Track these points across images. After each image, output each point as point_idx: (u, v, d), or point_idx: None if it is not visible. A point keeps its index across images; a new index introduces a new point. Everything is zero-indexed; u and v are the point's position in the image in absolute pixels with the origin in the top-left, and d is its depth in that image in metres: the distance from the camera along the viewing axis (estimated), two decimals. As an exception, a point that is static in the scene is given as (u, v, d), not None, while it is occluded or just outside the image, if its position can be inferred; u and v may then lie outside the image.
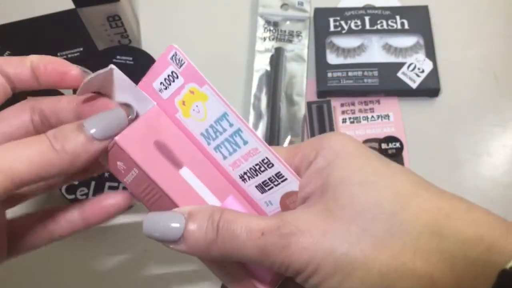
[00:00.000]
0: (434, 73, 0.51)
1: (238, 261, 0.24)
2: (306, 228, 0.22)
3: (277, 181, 0.26)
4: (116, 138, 0.25)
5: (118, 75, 0.26)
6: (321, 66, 0.51)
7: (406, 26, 0.53)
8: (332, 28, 0.53)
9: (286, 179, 0.26)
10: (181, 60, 0.26)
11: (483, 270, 0.21)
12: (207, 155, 0.27)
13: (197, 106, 0.26)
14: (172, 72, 0.26)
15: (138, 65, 0.52)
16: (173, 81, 0.26)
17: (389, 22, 0.53)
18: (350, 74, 0.51)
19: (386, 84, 0.50)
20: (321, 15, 0.54)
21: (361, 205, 0.22)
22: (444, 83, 0.51)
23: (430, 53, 0.51)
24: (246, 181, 0.27)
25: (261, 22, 0.55)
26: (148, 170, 0.25)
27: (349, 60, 0.52)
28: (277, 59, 0.52)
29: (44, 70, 0.26)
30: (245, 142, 0.26)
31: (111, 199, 0.28)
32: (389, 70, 0.51)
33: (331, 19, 0.54)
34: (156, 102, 0.27)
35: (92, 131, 0.24)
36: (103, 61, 0.52)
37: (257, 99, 0.51)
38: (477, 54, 0.53)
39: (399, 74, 0.50)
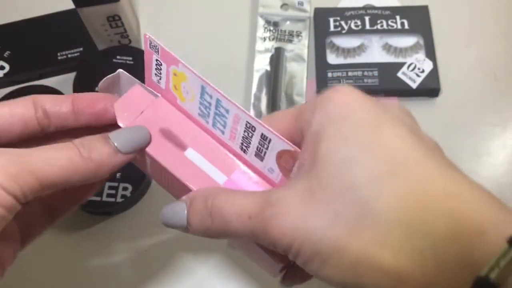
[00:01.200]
0: (434, 73, 0.51)
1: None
2: (287, 211, 0.22)
3: (265, 143, 0.25)
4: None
5: (125, 76, 0.29)
6: (321, 66, 0.51)
7: (406, 26, 0.53)
8: (332, 28, 0.53)
9: (270, 139, 0.25)
10: (156, 47, 0.27)
11: (458, 272, 0.19)
12: (210, 134, 0.28)
13: (184, 87, 0.27)
14: (156, 61, 0.27)
15: (138, 65, 0.52)
16: (161, 69, 0.27)
17: (389, 22, 0.53)
18: (350, 74, 0.51)
19: (386, 84, 0.50)
20: (321, 15, 0.54)
21: (339, 187, 0.21)
22: (444, 83, 0.51)
23: (430, 53, 0.51)
24: (246, 151, 0.27)
25: (261, 22, 0.55)
26: (155, 156, 0.27)
27: (349, 60, 0.52)
28: (277, 59, 0.52)
29: (85, 110, 0.27)
30: (227, 111, 0.26)
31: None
32: (389, 70, 0.51)
33: (331, 19, 0.54)
34: (160, 94, 0.29)
35: (117, 143, 0.25)
36: (103, 61, 0.52)
37: (257, 99, 0.51)
38: (477, 54, 0.53)
39: (399, 74, 0.50)
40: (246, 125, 0.25)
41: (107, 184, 0.45)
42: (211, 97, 0.26)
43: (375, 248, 0.20)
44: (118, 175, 0.46)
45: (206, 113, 0.27)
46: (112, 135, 0.26)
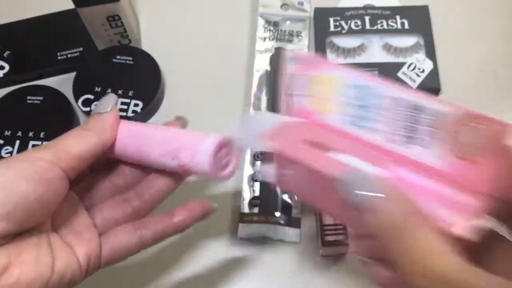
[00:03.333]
0: (434, 73, 0.51)
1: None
2: None
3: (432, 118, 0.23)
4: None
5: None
6: (321, 66, 0.51)
7: (406, 26, 0.53)
8: (332, 28, 0.53)
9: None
10: (297, 59, 0.26)
11: None
12: (362, 142, 0.27)
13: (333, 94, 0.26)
14: (295, 76, 0.27)
15: (138, 65, 0.52)
16: (299, 85, 0.27)
17: (389, 22, 0.53)
18: (350, 74, 0.51)
19: (386, 84, 0.50)
20: (321, 15, 0.54)
21: None
22: (444, 83, 0.51)
23: (430, 53, 0.51)
24: (413, 138, 0.25)
25: (261, 22, 0.55)
26: (309, 163, 0.26)
27: (349, 60, 0.52)
28: (277, 59, 0.52)
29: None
30: (380, 97, 0.24)
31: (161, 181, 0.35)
32: (389, 70, 0.51)
33: (331, 19, 0.54)
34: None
35: (97, 110, 0.33)
36: (103, 61, 0.52)
37: (257, 99, 0.51)
38: (477, 54, 0.53)
39: (399, 74, 0.50)
40: (411, 106, 0.24)
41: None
42: (358, 87, 0.25)
43: None
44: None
45: (356, 115, 0.26)
46: (93, 110, 0.34)
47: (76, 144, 0.30)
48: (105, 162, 0.35)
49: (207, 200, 0.35)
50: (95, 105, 0.32)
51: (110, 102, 0.33)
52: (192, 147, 0.31)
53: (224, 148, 0.32)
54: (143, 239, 0.32)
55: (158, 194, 0.34)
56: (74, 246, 0.29)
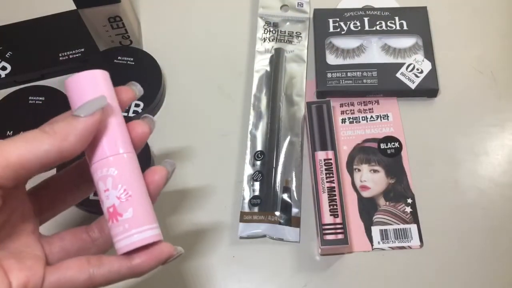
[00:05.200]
0: (432, 73, 0.51)
1: None
2: None
3: None
4: None
5: None
6: (320, 66, 0.52)
7: (405, 27, 0.53)
8: (331, 29, 0.54)
9: None
10: None
11: None
12: None
13: None
14: None
15: (139, 65, 0.52)
16: None
17: (388, 23, 0.53)
18: (349, 74, 0.51)
19: (385, 84, 0.50)
20: (321, 16, 0.54)
21: None
22: (442, 83, 0.51)
23: (429, 54, 0.52)
24: None
25: (261, 23, 0.55)
26: None
27: (348, 61, 0.52)
28: (277, 59, 0.53)
29: None
30: None
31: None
32: (388, 71, 0.51)
33: (331, 20, 0.54)
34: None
35: (76, 112, 0.27)
36: (105, 61, 0.52)
37: (257, 99, 0.51)
38: (475, 55, 0.53)
39: (398, 75, 0.51)
40: None
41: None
42: None
43: None
44: None
45: None
46: (74, 109, 0.27)
47: (18, 149, 0.24)
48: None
49: (172, 246, 0.29)
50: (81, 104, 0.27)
51: (95, 106, 0.27)
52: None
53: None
54: (93, 279, 0.27)
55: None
56: (10, 272, 0.25)
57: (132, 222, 0.27)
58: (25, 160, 0.24)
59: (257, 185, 0.47)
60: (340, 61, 0.52)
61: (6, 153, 0.24)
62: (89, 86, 0.27)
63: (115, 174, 0.27)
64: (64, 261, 0.27)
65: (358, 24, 0.54)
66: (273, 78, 0.52)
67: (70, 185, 0.31)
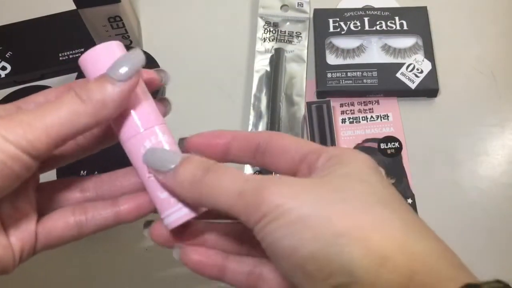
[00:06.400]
0: (432, 73, 0.51)
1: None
2: (286, 182, 0.24)
3: None
4: None
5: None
6: (320, 66, 0.52)
7: (405, 27, 0.53)
8: (331, 29, 0.54)
9: None
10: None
11: None
12: None
13: None
14: None
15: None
16: None
17: (388, 23, 0.53)
18: (349, 74, 0.51)
19: (385, 84, 0.50)
20: (321, 16, 0.54)
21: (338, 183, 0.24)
22: (442, 83, 0.51)
23: (429, 54, 0.52)
24: None
25: (261, 23, 0.55)
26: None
27: (348, 61, 0.52)
28: (277, 59, 0.53)
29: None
30: None
31: None
32: (388, 71, 0.51)
33: (331, 20, 0.54)
34: None
35: (112, 75, 0.25)
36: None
37: (257, 99, 0.51)
38: (475, 55, 0.53)
39: (398, 75, 0.51)
40: None
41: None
42: None
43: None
44: None
45: None
46: (108, 69, 0.25)
47: (62, 125, 0.24)
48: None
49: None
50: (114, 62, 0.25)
51: (134, 67, 0.25)
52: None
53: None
54: (81, 229, 0.28)
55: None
56: (10, 236, 0.26)
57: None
58: (64, 135, 0.24)
59: (257, 185, 0.47)
60: (340, 61, 0.52)
61: (47, 126, 0.23)
62: (108, 59, 0.26)
63: (165, 139, 0.28)
64: (50, 217, 0.28)
65: (358, 24, 0.54)
66: (273, 78, 0.52)
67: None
